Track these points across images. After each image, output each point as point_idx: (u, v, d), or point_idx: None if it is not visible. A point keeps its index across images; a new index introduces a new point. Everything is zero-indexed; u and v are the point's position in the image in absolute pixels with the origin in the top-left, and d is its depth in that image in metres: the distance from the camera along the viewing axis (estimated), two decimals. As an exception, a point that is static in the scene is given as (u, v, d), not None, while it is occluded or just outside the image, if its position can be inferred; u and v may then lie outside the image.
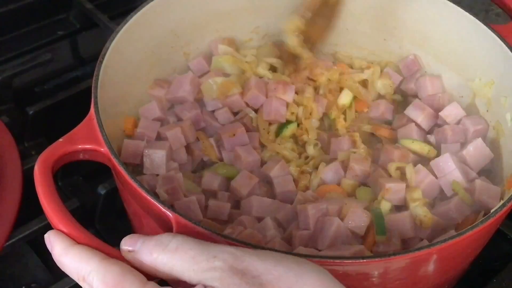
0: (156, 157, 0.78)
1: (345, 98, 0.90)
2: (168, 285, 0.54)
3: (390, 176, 0.81)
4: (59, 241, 0.58)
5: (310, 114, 0.88)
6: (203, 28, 0.92)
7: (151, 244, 0.54)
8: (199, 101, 0.88)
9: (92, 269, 0.54)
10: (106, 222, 0.88)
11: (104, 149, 0.67)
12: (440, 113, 0.87)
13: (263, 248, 0.57)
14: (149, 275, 0.55)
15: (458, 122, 0.87)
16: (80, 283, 0.55)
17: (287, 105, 0.87)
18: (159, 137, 0.83)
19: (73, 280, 0.57)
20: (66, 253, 0.57)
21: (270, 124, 0.87)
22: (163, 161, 0.78)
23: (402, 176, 0.80)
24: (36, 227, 0.80)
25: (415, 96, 0.92)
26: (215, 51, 0.93)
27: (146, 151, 0.79)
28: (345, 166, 0.82)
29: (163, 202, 0.61)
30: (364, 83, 0.93)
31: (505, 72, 0.81)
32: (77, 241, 0.58)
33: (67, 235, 0.59)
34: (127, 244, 0.56)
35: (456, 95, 0.90)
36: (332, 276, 0.52)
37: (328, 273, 0.52)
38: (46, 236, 0.59)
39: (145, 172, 0.79)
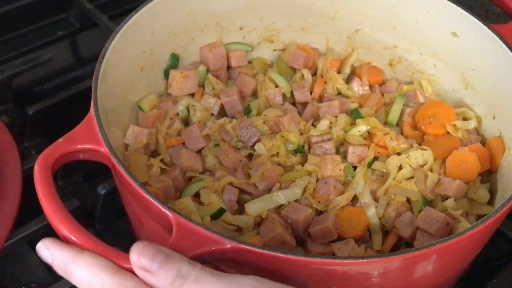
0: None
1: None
2: None
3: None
4: (63, 250, 0.56)
5: None
6: (202, 28, 0.92)
7: (171, 274, 0.53)
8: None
9: (104, 283, 0.54)
10: (106, 222, 0.88)
11: (104, 149, 0.67)
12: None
13: (283, 252, 0.58)
14: None
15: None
16: None
17: None
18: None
19: (73, 280, 0.56)
20: (74, 262, 0.55)
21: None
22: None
23: None
24: (36, 227, 0.80)
25: None
26: (203, 59, 0.93)
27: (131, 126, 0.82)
28: None
29: (163, 202, 0.62)
30: None
31: (505, 72, 0.81)
32: (79, 244, 0.57)
33: (65, 237, 0.58)
34: (141, 259, 0.53)
35: (456, 96, 0.90)
36: None
37: None
38: (40, 246, 0.57)
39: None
